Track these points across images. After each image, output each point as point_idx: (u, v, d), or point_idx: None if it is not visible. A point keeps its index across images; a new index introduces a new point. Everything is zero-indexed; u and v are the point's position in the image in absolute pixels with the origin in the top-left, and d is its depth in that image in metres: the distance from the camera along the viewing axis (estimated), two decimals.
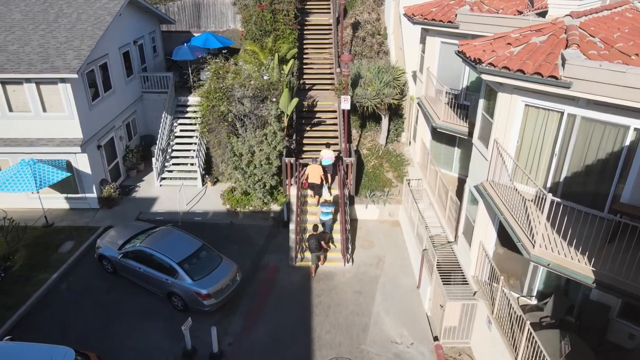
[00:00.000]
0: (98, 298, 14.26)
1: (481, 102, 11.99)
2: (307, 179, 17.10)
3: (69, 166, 17.09)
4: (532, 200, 10.53)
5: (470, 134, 14.71)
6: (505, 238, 11.37)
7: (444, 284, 12.78)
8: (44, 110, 16.54)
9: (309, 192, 17.84)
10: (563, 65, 8.94)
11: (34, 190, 15.38)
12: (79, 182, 17.56)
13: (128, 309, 13.89)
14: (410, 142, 20.66)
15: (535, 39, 10.23)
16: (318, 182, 17.09)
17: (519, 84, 9.71)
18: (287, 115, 18.55)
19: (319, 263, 15.85)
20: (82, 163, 17.25)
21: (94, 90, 17.93)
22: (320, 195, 17.37)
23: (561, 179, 10.30)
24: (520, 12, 15.53)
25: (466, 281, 13.12)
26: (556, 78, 8.92)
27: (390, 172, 19.57)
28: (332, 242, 16.41)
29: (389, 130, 20.48)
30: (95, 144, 17.87)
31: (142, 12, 22.23)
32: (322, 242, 15.21)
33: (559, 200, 8.64)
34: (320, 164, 17.52)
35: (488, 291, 12.21)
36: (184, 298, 13.45)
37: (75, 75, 15.36)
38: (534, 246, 9.08)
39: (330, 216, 16.46)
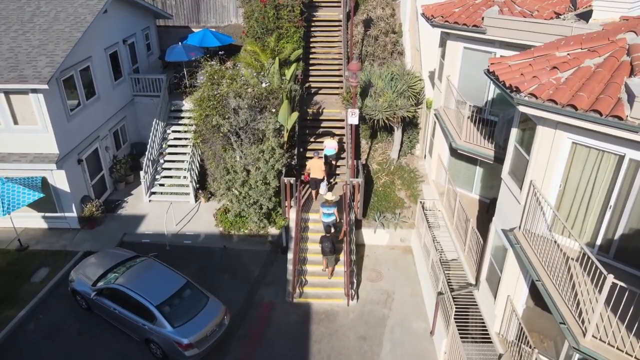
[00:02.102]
0: (68, 340, 12.63)
1: (514, 132, 9.88)
2: (308, 174, 16.06)
3: (45, 183, 15.35)
4: (577, 259, 8.54)
5: (498, 159, 12.63)
6: (539, 296, 9.37)
7: (463, 342, 10.87)
8: (15, 122, 14.72)
9: (310, 216, 15.94)
10: (630, 102, 6.85)
11: (1, 215, 13.75)
12: (57, 201, 15.83)
13: (101, 355, 12.25)
14: (425, 156, 18.55)
15: (589, 61, 8.08)
16: (320, 176, 16.10)
17: (568, 121, 7.64)
18: (287, 129, 16.54)
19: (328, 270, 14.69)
20: (60, 180, 15.49)
21: (74, 98, 16.13)
22: (318, 189, 16.44)
23: (616, 237, 8.26)
24: (558, 14, 13.27)
25: (489, 338, 11.17)
26: (620, 119, 6.84)
27: (402, 190, 17.53)
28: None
29: (402, 143, 18.36)
30: (75, 159, 16.08)
31: (133, 7, 20.24)
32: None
33: (622, 284, 6.61)
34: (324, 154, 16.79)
35: (516, 353, 10.27)
36: (162, 347, 11.76)
37: (46, 86, 13.52)
38: (584, 334, 7.10)
39: (333, 217, 14.87)
